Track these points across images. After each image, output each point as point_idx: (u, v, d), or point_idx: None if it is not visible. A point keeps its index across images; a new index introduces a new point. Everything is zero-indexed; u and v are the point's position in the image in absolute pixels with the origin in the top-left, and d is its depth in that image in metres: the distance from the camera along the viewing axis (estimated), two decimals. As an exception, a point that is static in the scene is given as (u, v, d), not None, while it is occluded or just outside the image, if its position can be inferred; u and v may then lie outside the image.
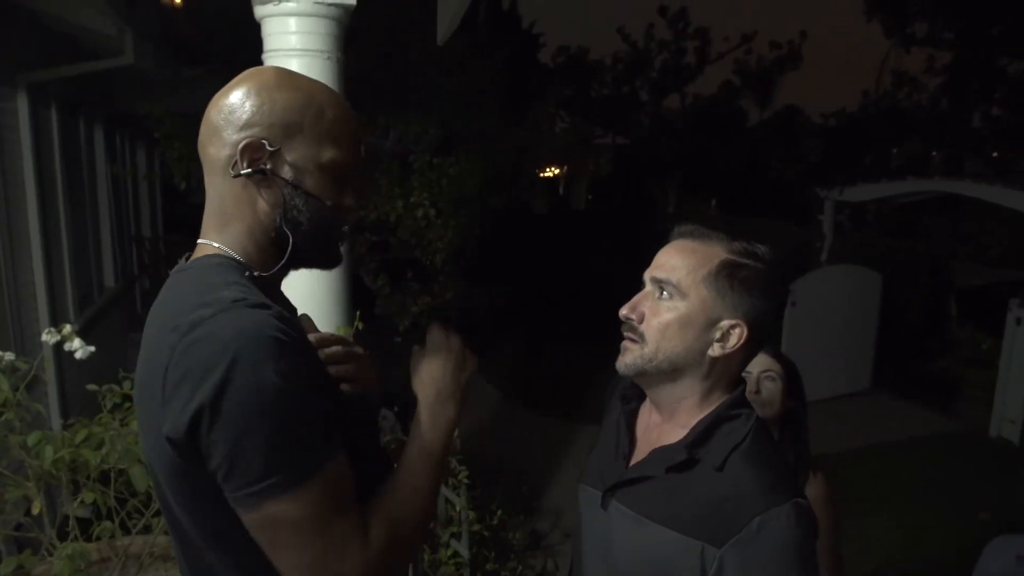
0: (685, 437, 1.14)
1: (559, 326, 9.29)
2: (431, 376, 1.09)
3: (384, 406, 4.35)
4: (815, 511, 1.87)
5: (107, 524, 2.32)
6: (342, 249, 1.08)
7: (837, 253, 8.08)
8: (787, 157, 21.19)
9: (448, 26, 3.14)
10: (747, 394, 1.83)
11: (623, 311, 1.18)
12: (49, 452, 2.08)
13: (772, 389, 1.88)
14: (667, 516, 1.11)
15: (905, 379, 7.31)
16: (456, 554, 3.28)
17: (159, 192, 9.68)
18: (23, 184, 4.11)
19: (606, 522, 1.21)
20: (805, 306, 6.59)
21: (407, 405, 4.21)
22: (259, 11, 1.95)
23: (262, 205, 0.98)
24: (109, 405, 2.31)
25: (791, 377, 1.92)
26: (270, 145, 0.96)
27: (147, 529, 2.43)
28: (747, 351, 1.17)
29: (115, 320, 6.23)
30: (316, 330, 1.21)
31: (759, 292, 1.14)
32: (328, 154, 0.99)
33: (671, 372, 1.16)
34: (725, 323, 1.13)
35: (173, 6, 6.86)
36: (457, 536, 3.29)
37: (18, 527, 2.46)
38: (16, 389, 2.21)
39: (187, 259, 1.03)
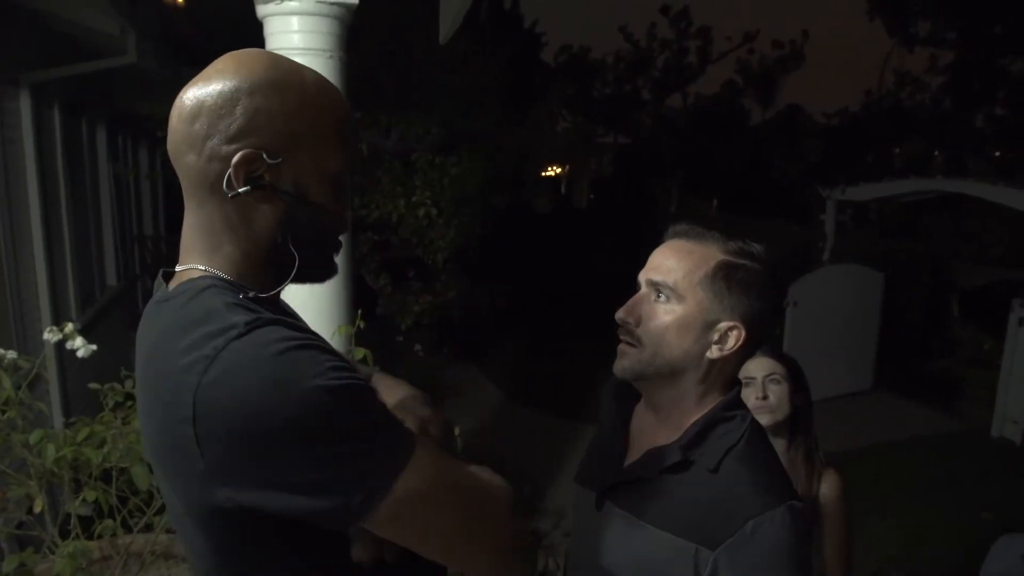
0: (680, 438, 1.14)
1: (561, 325, 9.29)
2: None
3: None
4: (829, 509, 1.90)
5: (109, 522, 2.33)
6: (336, 260, 0.98)
7: (839, 253, 8.07)
8: (789, 156, 21.17)
9: (451, 25, 3.14)
10: (755, 400, 1.83)
11: (619, 314, 1.16)
12: (51, 450, 2.09)
13: (779, 392, 1.89)
14: (661, 518, 1.11)
15: (907, 379, 7.29)
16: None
17: (161, 191, 9.68)
18: (25, 183, 4.12)
19: (601, 523, 1.20)
20: (807, 306, 6.58)
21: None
22: (261, 10, 1.96)
23: (261, 224, 0.86)
24: (111, 404, 2.32)
25: (795, 376, 1.92)
26: (270, 157, 0.83)
27: (149, 527, 2.44)
28: (745, 352, 1.16)
29: (117, 319, 6.23)
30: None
31: (756, 293, 1.13)
32: (333, 162, 0.89)
33: (669, 375, 1.15)
34: (723, 325, 1.12)
35: (175, 6, 6.87)
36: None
37: (20, 525, 2.46)
38: (18, 387, 2.22)
39: (165, 284, 0.91)
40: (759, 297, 1.13)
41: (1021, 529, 1.84)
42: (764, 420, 1.82)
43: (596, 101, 22.98)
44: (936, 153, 22.02)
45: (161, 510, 2.41)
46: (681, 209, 20.19)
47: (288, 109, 0.85)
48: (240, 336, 0.74)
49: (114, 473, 2.27)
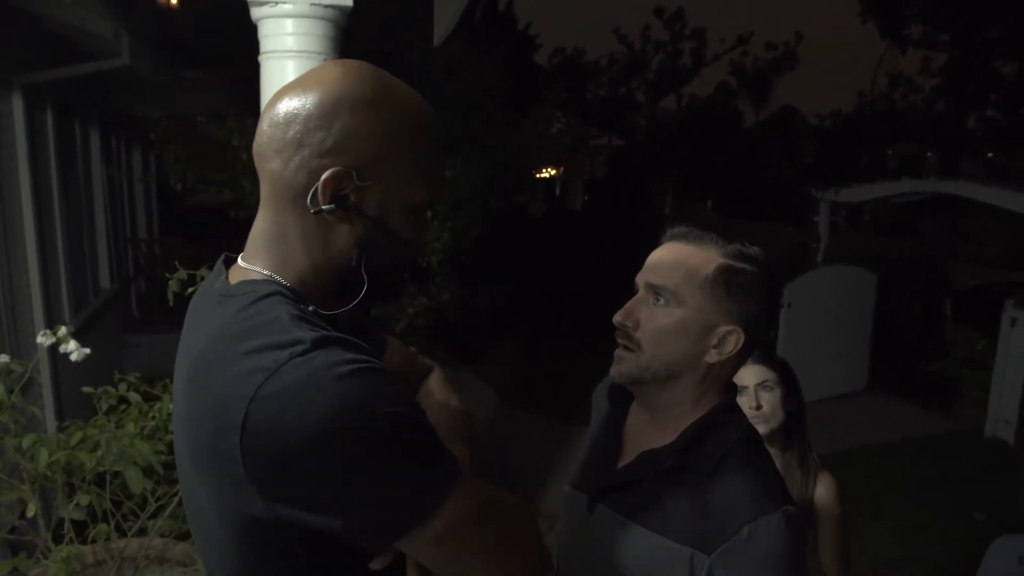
0: (675, 442, 1.13)
1: (555, 327, 9.29)
2: None
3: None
4: (825, 511, 1.90)
5: (102, 527, 2.32)
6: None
7: (833, 254, 8.09)
8: (783, 158, 21.24)
9: (445, 27, 3.14)
10: (749, 410, 1.83)
11: (617, 317, 1.15)
12: (44, 455, 2.08)
13: (772, 399, 1.88)
14: (656, 521, 1.10)
15: (901, 380, 7.32)
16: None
17: (155, 194, 9.67)
18: (18, 186, 4.10)
19: (593, 526, 1.20)
20: (801, 307, 6.60)
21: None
22: (255, 12, 1.95)
23: (338, 243, 0.85)
24: (104, 407, 2.31)
25: (787, 380, 1.92)
26: (360, 179, 0.81)
27: (143, 531, 2.43)
28: (742, 355, 1.16)
29: (110, 322, 6.22)
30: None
31: (755, 296, 1.13)
32: (421, 191, 0.86)
33: (667, 378, 1.14)
34: (722, 329, 1.12)
35: (169, 8, 6.85)
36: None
37: (13, 530, 2.45)
38: (11, 391, 2.21)
39: (226, 270, 0.89)
40: (757, 301, 1.13)
41: (1014, 529, 1.84)
42: (760, 430, 1.82)
43: (591, 103, 23.02)
44: (929, 154, 22.13)
45: (155, 514, 2.40)
46: (675, 211, 20.23)
47: (386, 133, 0.83)
48: (305, 352, 0.73)
49: (108, 477, 2.27)
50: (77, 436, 2.17)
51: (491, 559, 0.85)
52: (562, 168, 19.52)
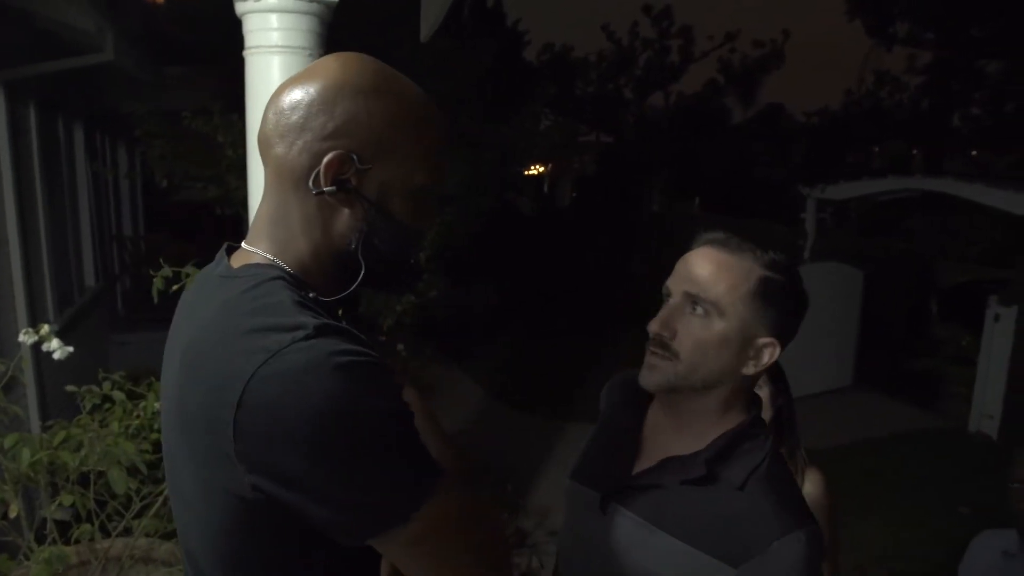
0: (704, 451, 1.12)
1: (544, 324, 9.30)
2: None
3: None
4: (815, 507, 1.89)
5: (86, 527, 2.30)
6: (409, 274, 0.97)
7: (820, 251, 8.14)
8: (771, 156, 21.33)
9: (432, 24, 3.12)
10: None
11: (653, 327, 1.12)
12: (26, 454, 2.06)
13: (761, 396, 1.88)
14: (680, 528, 1.09)
15: (887, 376, 7.37)
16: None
17: (140, 191, 9.60)
18: (0, 182, 4.06)
19: (606, 526, 1.18)
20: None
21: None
22: (240, 7, 1.94)
23: (339, 226, 0.87)
24: (88, 406, 2.29)
25: (775, 377, 1.93)
26: (360, 162, 0.84)
27: (127, 531, 2.41)
28: (772, 365, 1.16)
29: (95, 320, 6.16)
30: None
31: (789, 308, 1.13)
32: (420, 177, 0.88)
33: (702, 389, 1.13)
34: (760, 341, 1.11)
35: (154, 3, 6.80)
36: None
37: (-5, 531, 2.42)
38: (-7, 391, 2.18)
39: (228, 257, 0.91)
40: (790, 311, 1.13)
41: (998, 523, 1.86)
42: None
43: (579, 100, 23.03)
44: (915, 152, 22.29)
45: (140, 514, 2.38)
46: (663, 208, 20.28)
47: (386, 118, 0.85)
48: (307, 338, 0.74)
49: (92, 477, 2.25)
50: (60, 435, 2.15)
51: (463, 565, 0.86)
52: (551, 165, 19.51)
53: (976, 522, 2.00)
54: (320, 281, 0.88)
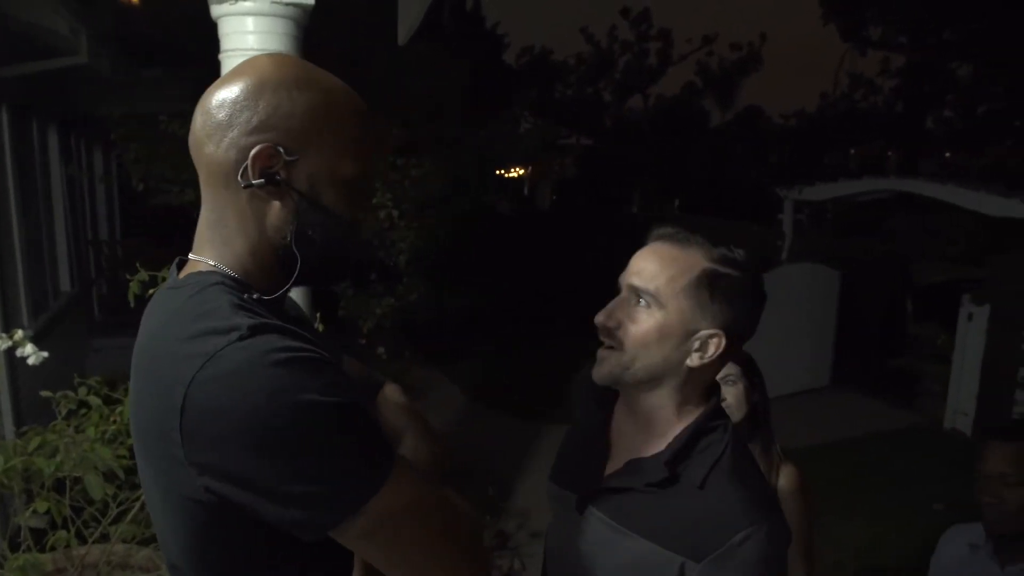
0: (663, 451, 1.13)
1: (524, 326, 9.31)
2: None
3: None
4: (788, 503, 1.93)
5: (62, 534, 2.27)
6: (349, 266, 0.98)
7: (797, 252, 8.23)
8: (749, 157, 21.52)
9: (409, 27, 3.13)
10: None
11: (599, 318, 1.14)
12: (0, 461, 2.03)
13: (736, 392, 1.90)
14: (648, 529, 1.11)
15: (864, 375, 7.46)
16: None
17: (116, 195, 9.49)
18: (-27, 187, 4.01)
19: (581, 526, 1.20)
20: (766, 304, 6.68)
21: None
22: (215, 10, 1.93)
23: (271, 220, 0.87)
24: (64, 412, 2.26)
25: (750, 373, 1.95)
26: (287, 154, 0.85)
27: (104, 538, 2.39)
28: (724, 359, 1.16)
29: (71, 325, 6.09)
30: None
31: (739, 301, 1.12)
32: (348, 166, 0.89)
33: (648, 381, 1.14)
34: (704, 333, 1.11)
35: (128, 5, 6.73)
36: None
37: (-31, 539, 2.39)
38: (-34, 397, 2.16)
39: (178, 271, 0.92)
40: (741, 305, 1.13)
41: (972, 519, 1.90)
42: None
43: (558, 102, 23.10)
44: (890, 154, 22.60)
45: (117, 519, 2.36)
46: (643, 210, 20.39)
47: (309, 109, 0.86)
48: (242, 339, 0.75)
49: (68, 483, 2.22)
50: (35, 442, 2.12)
51: (424, 559, 0.86)
52: (531, 168, 19.55)
53: (951, 518, 2.04)
54: (263, 281, 0.89)
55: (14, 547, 2.27)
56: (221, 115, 0.85)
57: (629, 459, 1.17)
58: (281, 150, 0.85)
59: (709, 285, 1.10)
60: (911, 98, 19.63)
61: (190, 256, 0.92)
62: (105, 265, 8.36)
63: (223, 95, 0.86)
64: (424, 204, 5.32)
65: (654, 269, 1.12)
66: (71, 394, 2.28)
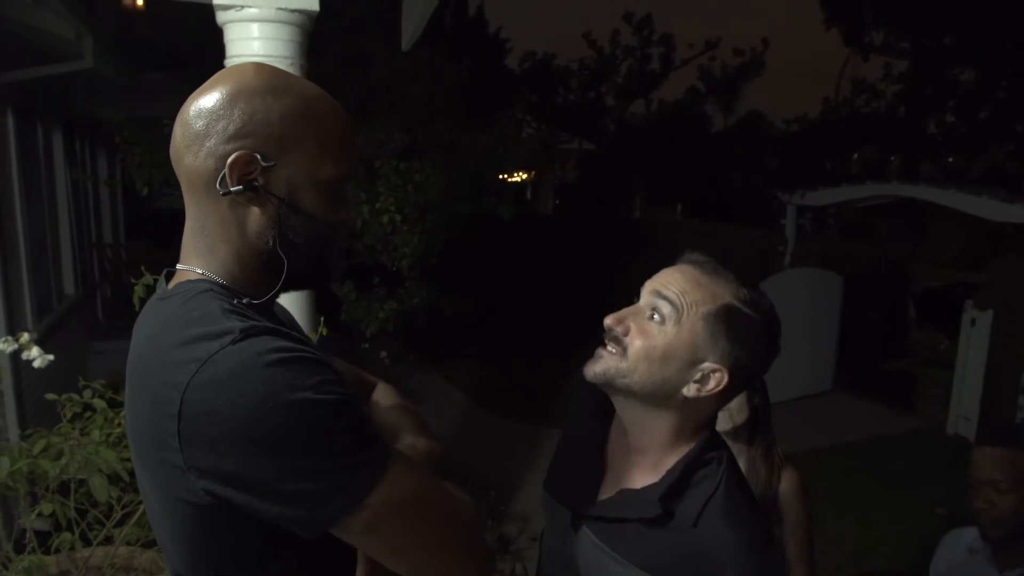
0: (657, 485, 1.12)
1: (526, 331, 9.31)
2: None
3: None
4: (789, 507, 1.94)
5: (67, 536, 2.28)
6: (332, 268, 1.02)
7: (799, 257, 8.22)
8: (751, 162, 21.53)
9: (412, 32, 3.15)
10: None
11: (608, 320, 1.12)
12: (5, 463, 2.04)
13: (738, 397, 1.90)
14: (641, 560, 1.10)
15: (866, 380, 7.45)
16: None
17: (120, 198, 9.52)
18: (-22, 190, 4.02)
19: (576, 544, 1.20)
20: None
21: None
22: (221, 17, 1.95)
23: (253, 226, 0.88)
24: (69, 415, 2.27)
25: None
26: (264, 160, 0.86)
27: (108, 540, 2.40)
28: (723, 398, 1.14)
29: (75, 328, 6.10)
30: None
31: (751, 344, 1.10)
32: (326, 169, 0.90)
33: (639, 396, 1.12)
34: (707, 365, 1.09)
35: (134, 10, 6.77)
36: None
37: (-26, 541, 2.40)
38: (-29, 399, 2.17)
39: (166, 283, 0.94)
40: (752, 349, 1.11)
41: (973, 523, 1.90)
42: (722, 425, 1.85)
43: (561, 107, 23.13)
44: (892, 159, 22.59)
45: (121, 522, 2.37)
46: (645, 215, 20.39)
47: (285, 114, 0.87)
48: (235, 342, 0.76)
49: (72, 485, 2.23)
50: (40, 444, 2.14)
51: (426, 550, 0.87)
52: (533, 172, 19.57)
53: (953, 523, 2.04)
54: (251, 287, 0.91)
55: (19, 549, 2.28)
56: (199, 125, 0.86)
57: (622, 488, 1.16)
58: (258, 156, 0.85)
59: (727, 320, 1.09)
60: (913, 103, 19.63)
61: (178, 267, 0.93)
62: (109, 268, 8.38)
63: (200, 105, 0.87)
64: (426, 208, 5.33)
65: (683, 286, 1.10)
66: (76, 397, 2.29)
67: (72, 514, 2.27)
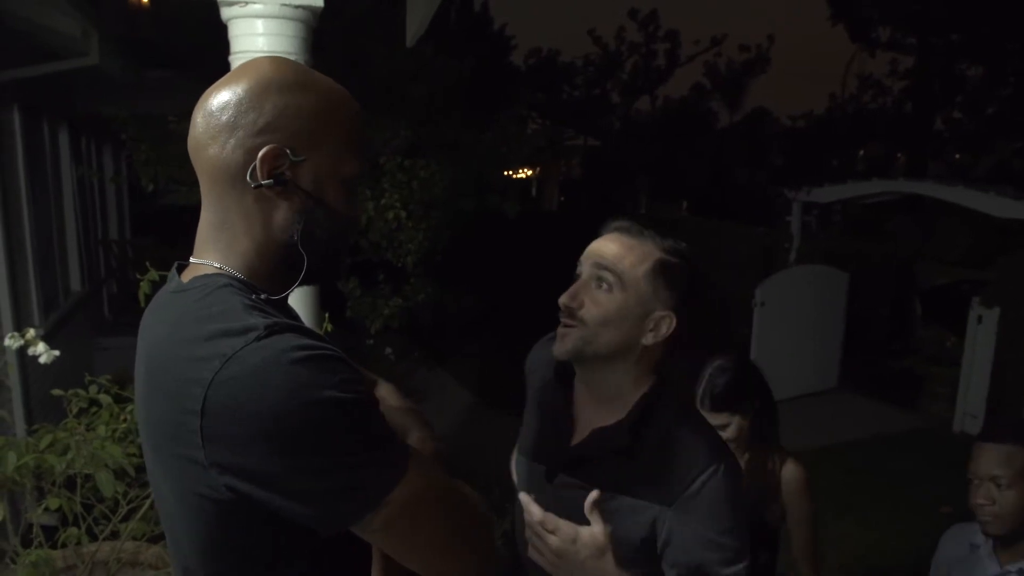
0: (624, 419, 1.26)
1: (531, 327, 9.29)
2: None
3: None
4: (794, 504, 1.94)
5: (73, 531, 2.30)
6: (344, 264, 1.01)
7: (805, 254, 8.20)
8: (756, 159, 21.47)
9: (417, 28, 3.14)
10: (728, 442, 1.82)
11: (563, 299, 1.26)
12: (12, 458, 2.05)
13: (737, 423, 1.87)
14: (619, 486, 1.23)
15: (871, 377, 7.43)
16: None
17: (126, 195, 9.55)
18: (-15, 187, 4.04)
19: (553, 494, 1.29)
20: (773, 306, 6.68)
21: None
22: (225, 12, 1.95)
23: (278, 220, 0.88)
24: (75, 410, 2.29)
25: (754, 394, 1.94)
26: (293, 154, 0.86)
27: (114, 535, 2.41)
28: (673, 340, 1.28)
29: (81, 324, 6.13)
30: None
31: (684, 287, 1.27)
32: (350, 165, 0.91)
33: (607, 356, 1.26)
34: (657, 314, 1.25)
35: (139, 7, 6.78)
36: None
37: (-19, 535, 2.42)
38: (-22, 395, 2.18)
39: (179, 276, 0.93)
40: (688, 290, 1.27)
41: (973, 519, 1.90)
42: (730, 433, 1.85)
43: (566, 104, 23.10)
44: (898, 155, 22.50)
45: (128, 517, 2.38)
46: (650, 211, 20.36)
47: (314, 110, 0.88)
48: (260, 339, 0.76)
49: (79, 480, 2.24)
50: (47, 439, 2.15)
51: (441, 546, 0.89)
52: (539, 169, 19.57)
53: (959, 521, 2.04)
54: (268, 282, 0.90)
55: (26, 544, 2.29)
56: (225, 117, 0.86)
57: (593, 428, 1.29)
58: (288, 151, 0.85)
59: (662, 272, 1.25)
60: (920, 99, 19.54)
61: (191, 260, 0.92)
62: (115, 265, 8.41)
63: (225, 97, 0.87)
64: (431, 205, 5.33)
65: (616, 255, 1.25)
66: (82, 392, 2.30)
67: (78, 509, 2.28)
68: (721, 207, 17.58)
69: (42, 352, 2.29)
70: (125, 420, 2.27)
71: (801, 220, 8.59)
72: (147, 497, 2.33)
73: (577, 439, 1.32)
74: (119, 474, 2.14)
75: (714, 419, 1.83)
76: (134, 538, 2.40)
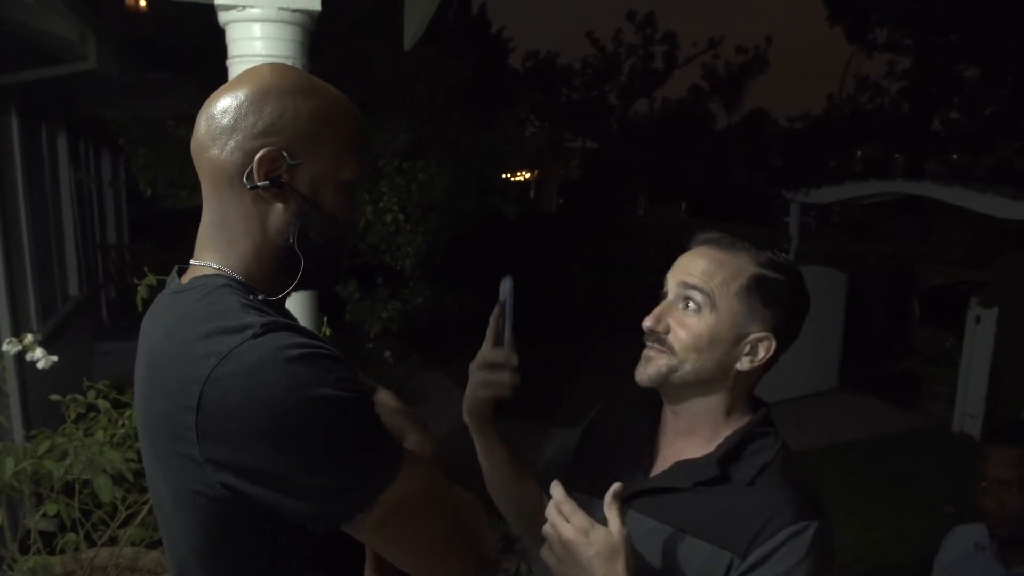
0: (714, 452, 1.13)
1: (530, 330, 9.30)
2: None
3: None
4: None
5: (71, 536, 2.29)
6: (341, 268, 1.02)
7: (803, 255, 8.20)
8: (754, 160, 21.49)
9: (415, 31, 3.15)
10: None
11: (647, 323, 1.14)
12: (10, 464, 2.04)
13: None
14: (695, 526, 1.10)
15: (871, 378, 7.43)
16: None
17: (124, 199, 9.54)
18: (-18, 191, 4.03)
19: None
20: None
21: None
22: (223, 17, 1.95)
23: (275, 222, 0.90)
24: (73, 415, 2.28)
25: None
26: (291, 158, 0.87)
27: (113, 541, 2.40)
28: (770, 364, 1.16)
29: (79, 329, 6.12)
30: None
31: (785, 304, 1.14)
32: (349, 170, 0.92)
33: (695, 384, 1.14)
34: (754, 336, 1.12)
35: (137, 11, 6.78)
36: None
37: (-21, 541, 2.41)
38: (-24, 400, 2.17)
39: (179, 278, 0.94)
40: (788, 308, 1.14)
41: (979, 520, 1.89)
42: None
43: (564, 106, 23.13)
44: (896, 156, 22.53)
45: (126, 523, 2.37)
46: (649, 213, 20.36)
47: (312, 115, 0.89)
48: (256, 336, 0.77)
49: (77, 486, 2.24)
50: (45, 445, 2.14)
51: (434, 549, 0.88)
52: (537, 171, 19.59)
53: (960, 521, 2.03)
54: (266, 284, 0.92)
55: (24, 549, 2.29)
56: (226, 120, 0.88)
57: (677, 460, 1.16)
58: (285, 154, 0.87)
59: (759, 289, 1.11)
60: (918, 100, 19.56)
61: (192, 261, 0.94)
62: (113, 269, 8.41)
63: (227, 101, 0.88)
64: (430, 207, 5.33)
65: (705, 272, 1.12)
66: (80, 397, 2.30)
67: (77, 515, 2.27)
68: (720, 208, 17.60)
69: (40, 357, 2.28)
70: (123, 425, 2.26)
71: (799, 221, 8.59)
72: (146, 502, 2.33)
73: (656, 471, 1.19)
74: (117, 479, 2.14)
75: None
76: (133, 544, 2.40)
